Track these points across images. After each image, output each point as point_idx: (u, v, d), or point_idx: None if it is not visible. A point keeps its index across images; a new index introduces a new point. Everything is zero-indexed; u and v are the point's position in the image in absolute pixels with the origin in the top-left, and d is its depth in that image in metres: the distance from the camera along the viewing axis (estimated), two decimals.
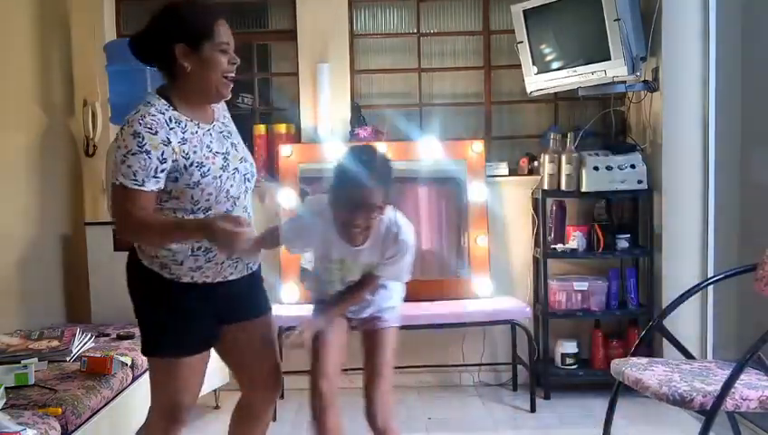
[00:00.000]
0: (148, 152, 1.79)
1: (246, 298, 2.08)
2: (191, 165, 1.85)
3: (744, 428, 2.97)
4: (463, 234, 3.91)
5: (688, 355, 2.64)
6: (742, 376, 2.13)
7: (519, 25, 3.75)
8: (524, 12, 3.72)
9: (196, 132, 1.90)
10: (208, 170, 1.88)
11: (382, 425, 2.22)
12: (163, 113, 1.86)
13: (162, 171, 1.81)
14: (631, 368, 2.38)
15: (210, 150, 1.91)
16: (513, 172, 4.02)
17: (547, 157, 3.75)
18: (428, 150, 3.88)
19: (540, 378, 3.73)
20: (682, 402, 2.11)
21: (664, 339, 2.74)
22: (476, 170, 3.88)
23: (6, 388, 2.17)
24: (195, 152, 1.87)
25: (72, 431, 2.13)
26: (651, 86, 3.65)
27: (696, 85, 3.54)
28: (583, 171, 3.65)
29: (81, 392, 2.26)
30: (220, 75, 1.89)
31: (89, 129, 3.67)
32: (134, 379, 2.66)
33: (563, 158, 3.69)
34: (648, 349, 3.53)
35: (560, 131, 3.85)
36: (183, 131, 1.87)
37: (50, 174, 3.37)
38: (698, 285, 2.73)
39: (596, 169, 3.63)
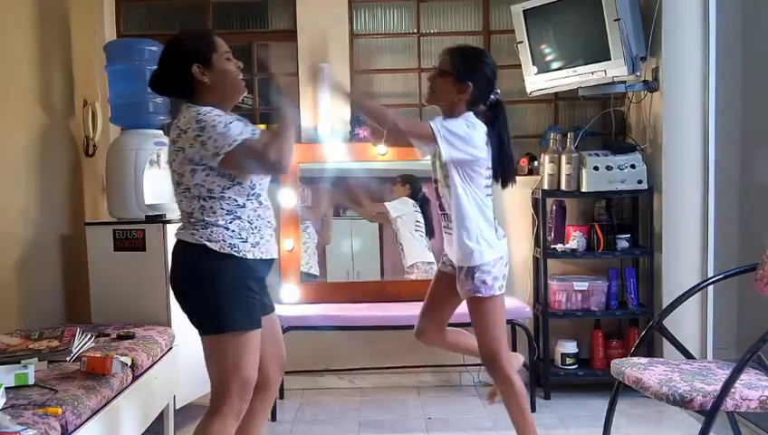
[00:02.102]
0: (232, 120, 2.14)
1: (269, 293, 2.39)
2: None
3: (744, 428, 2.97)
4: None
5: (688, 355, 2.64)
6: (742, 376, 2.13)
7: (519, 25, 3.75)
8: (524, 12, 3.72)
9: None
10: None
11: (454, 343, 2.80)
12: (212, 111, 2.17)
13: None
14: (631, 368, 2.38)
15: None
16: None
17: (547, 157, 3.75)
18: None
19: (540, 378, 3.73)
20: (682, 402, 2.11)
21: (664, 339, 2.74)
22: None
23: (6, 388, 2.16)
24: None
25: (72, 431, 2.13)
26: (651, 86, 3.65)
27: (696, 85, 3.54)
28: (583, 171, 3.65)
29: (81, 392, 2.25)
30: (233, 78, 2.23)
31: (89, 129, 3.66)
32: (134, 379, 2.65)
33: (563, 158, 3.69)
34: (648, 349, 3.54)
35: (560, 131, 3.85)
36: None
37: (50, 174, 3.37)
38: (698, 285, 2.73)
39: (596, 169, 3.63)
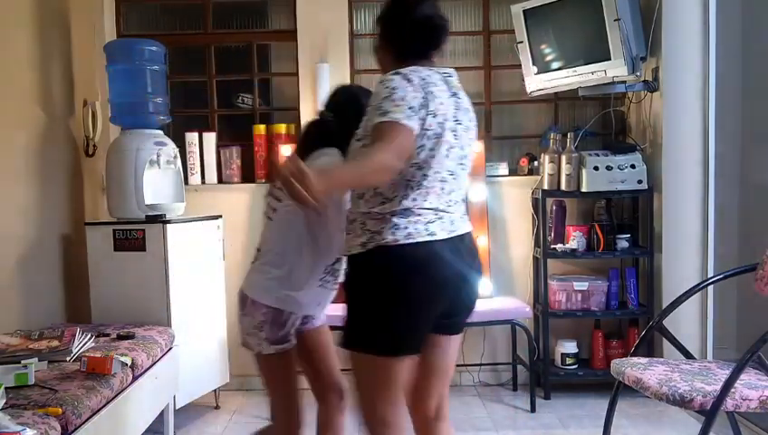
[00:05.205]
0: None
1: None
2: None
3: (744, 428, 2.97)
4: None
5: (688, 355, 2.64)
6: (742, 376, 2.13)
7: (519, 25, 3.75)
8: (524, 12, 3.72)
9: None
10: None
11: None
12: None
13: None
14: (631, 368, 2.38)
15: None
16: (513, 172, 4.02)
17: (547, 157, 3.75)
18: None
19: (540, 378, 3.73)
20: (682, 402, 2.11)
21: (664, 339, 2.74)
22: (476, 170, 3.88)
23: (6, 388, 2.16)
24: None
25: (72, 431, 2.13)
26: (651, 86, 3.65)
27: (695, 85, 3.54)
28: (583, 171, 3.65)
29: (81, 392, 2.26)
30: None
31: (89, 129, 3.66)
32: (134, 379, 2.65)
33: (563, 158, 3.69)
34: (648, 349, 3.54)
35: (560, 131, 3.85)
36: None
37: (50, 174, 3.37)
38: (698, 285, 2.73)
39: (596, 169, 3.64)
